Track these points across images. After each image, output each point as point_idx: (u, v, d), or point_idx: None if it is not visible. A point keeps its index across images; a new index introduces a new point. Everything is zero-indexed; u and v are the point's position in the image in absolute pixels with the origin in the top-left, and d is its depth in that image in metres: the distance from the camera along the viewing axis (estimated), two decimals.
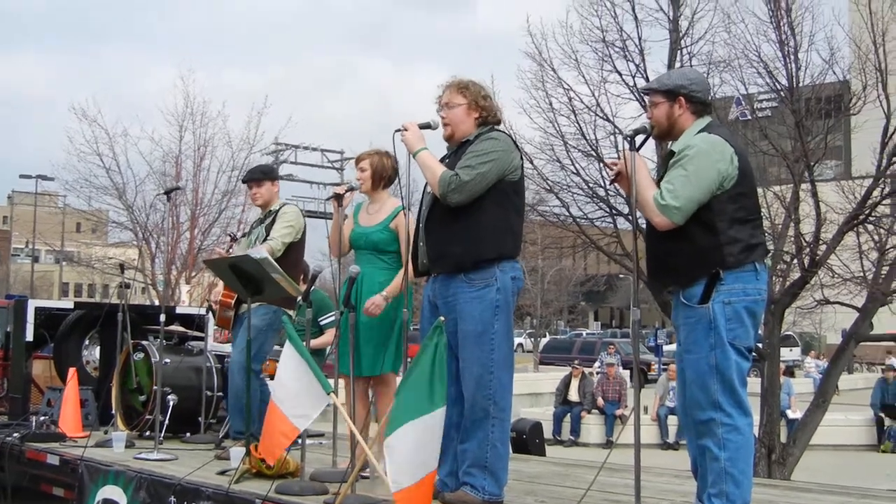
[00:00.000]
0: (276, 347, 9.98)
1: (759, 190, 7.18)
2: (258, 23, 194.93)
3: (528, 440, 14.06)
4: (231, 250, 8.93)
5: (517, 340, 60.26)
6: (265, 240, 8.72)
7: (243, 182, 9.78)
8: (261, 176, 9.21)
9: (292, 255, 8.79)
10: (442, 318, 5.69)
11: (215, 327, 10.08)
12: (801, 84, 14.03)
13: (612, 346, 37.75)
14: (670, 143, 5.79)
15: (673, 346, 27.06)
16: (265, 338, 8.72)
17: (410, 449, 5.51)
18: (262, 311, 8.52)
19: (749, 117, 16.61)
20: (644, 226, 5.70)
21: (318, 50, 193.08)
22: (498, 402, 6.16)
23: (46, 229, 52.36)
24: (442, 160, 6.39)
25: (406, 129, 6.40)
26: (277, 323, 8.68)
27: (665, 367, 28.53)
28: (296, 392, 6.38)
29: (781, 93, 14.38)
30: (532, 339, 55.80)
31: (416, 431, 5.51)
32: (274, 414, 6.49)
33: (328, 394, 6.19)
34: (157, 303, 29.87)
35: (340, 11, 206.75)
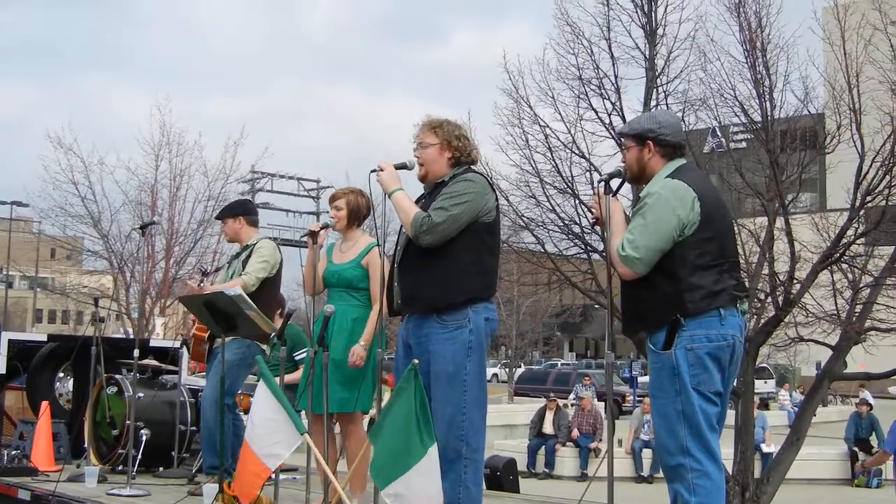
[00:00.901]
0: (252, 377, 10.01)
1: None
2: (230, 53, 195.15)
3: (503, 477, 14.07)
4: (202, 285, 8.92)
5: (492, 371, 60.29)
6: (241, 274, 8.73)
7: (216, 219, 9.84)
8: (225, 213, 9.38)
9: (267, 290, 8.79)
10: (416, 361, 5.72)
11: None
12: (775, 123, 14.11)
13: (587, 378, 37.77)
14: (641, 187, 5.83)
15: (647, 378, 27.10)
16: (238, 372, 8.71)
17: (421, 493, 5.58)
18: (236, 345, 8.51)
19: (724, 149, 16.69)
20: None
21: (291, 80, 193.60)
22: (470, 442, 6.16)
23: (20, 255, 52.15)
24: (418, 201, 6.41)
25: (382, 170, 6.41)
26: (251, 357, 8.66)
27: (640, 399, 28.54)
28: (268, 431, 6.39)
29: (756, 131, 14.45)
30: (507, 370, 55.76)
31: (420, 475, 5.58)
32: (247, 453, 6.49)
33: (301, 434, 6.19)
34: (130, 331, 29.77)
35: (312, 42, 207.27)
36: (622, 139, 5.87)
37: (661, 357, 5.41)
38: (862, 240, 14.35)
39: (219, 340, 8.28)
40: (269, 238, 9.34)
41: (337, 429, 7.93)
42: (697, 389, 5.34)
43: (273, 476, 7.12)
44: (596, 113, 15.22)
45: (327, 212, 8.01)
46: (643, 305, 5.51)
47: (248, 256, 8.85)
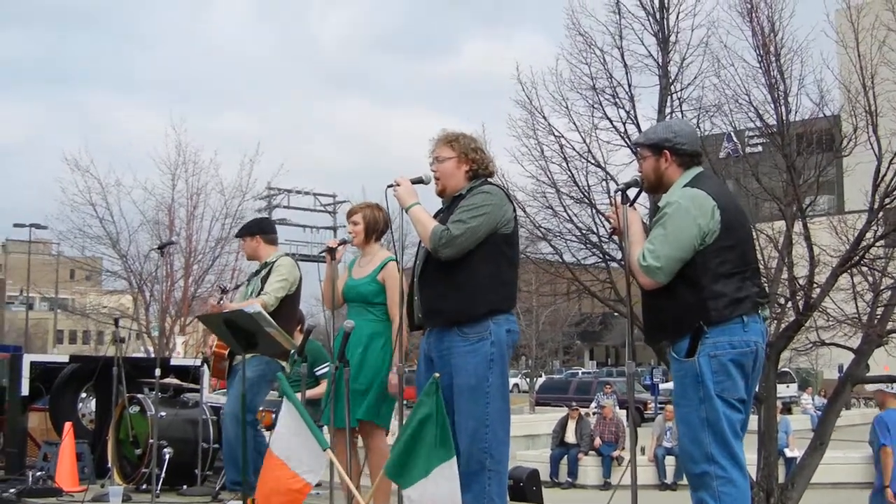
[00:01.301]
0: (272, 394, 10.03)
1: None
2: (240, 70, 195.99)
3: (526, 488, 14.07)
4: (222, 302, 8.94)
5: (513, 381, 60.15)
6: (260, 292, 8.74)
7: (236, 237, 9.90)
8: (244, 231, 9.44)
9: (287, 307, 8.80)
10: (437, 375, 5.72)
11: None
12: (791, 127, 14.08)
13: (608, 386, 37.72)
14: (658, 196, 5.83)
15: (669, 384, 26.90)
16: (258, 389, 8.73)
17: (444, 495, 5.59)
18: (255, 362, 8.52)
19: (740, 154, 16.67)
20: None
21: (301, 95, 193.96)
22: (494, 454, 6.15)
23: (40, 277, 52.43)
24: (436, 215, 6.41)
25: (398, 185, 6.40)
26: (270, 374, 8.69)
27: (662, 406, 28.49)
28: (298, 447, 6.38)
29: (772, 135, 14.42)
30: (527, 380, 55.70)
31: (438, 482, 5.59)
32: (282, 471, 6.45)
33: (324, 450, 6.20)
34: (151, 350, 29.83)
35: (321, 57, 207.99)
36: (638, 149, 5.87)
37: (684, 365, 5.40)
38: (881, 242, 14.31)
39: (238, 357, 8.32)
40: (288, 255, 9.37)
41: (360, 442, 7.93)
42: (721, 396, 5.34)
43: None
44: (611, 122, 15.22)
45: (344, 226, 8.03)
46: (665, 315, 5.51)
47: (268, 274, 8.88)
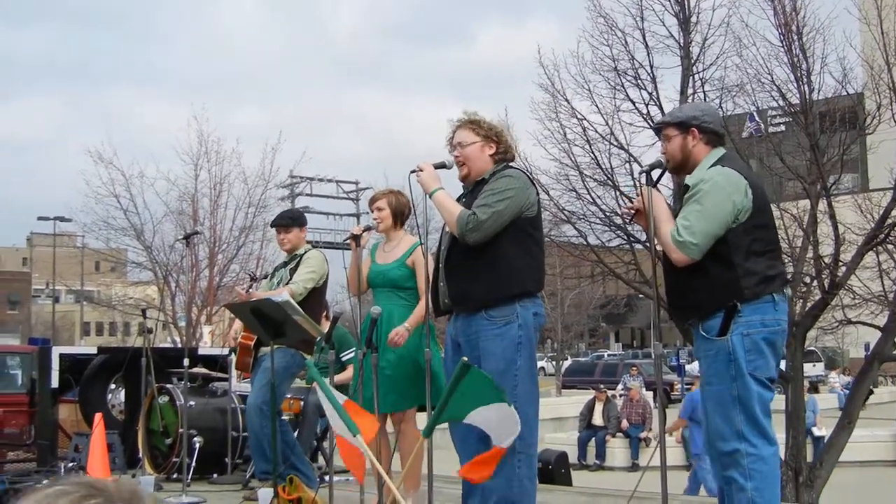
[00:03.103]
0: (300, 382, 10.07)
1: (776, 212, 7.17)
2: (256, 63, 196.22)
3: (555, 470, 14.08)
4: (252, 289, 8.93)
5: (539, 364, 60.10)
6: (288, 282, 8.75)
7: (272, 226, 9.81)
8: (289, 222, 9.19)
9: (313, 299, 8.79)
10: (465, 359, 5.73)
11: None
12: (814, 106, 14.04)
13: (634, 368, 37.66)
14: (686, 176, 5.82)
15: (695, 366, 26.94)
16: (282, 380, 8.69)
17: (492, 423, 5.50)
18: (280, 354, 8.52)
19: (763, 133, 16.64)
20: (663, 259, 5.73)
21: (317, 86, 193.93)
22: (524, 437, 6.14)
23: (65, 270, 52.58)
24: (458, 200, 6.40)
25: (421, 170, 6.38)
26: (294, 366, 8.66)
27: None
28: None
29: (795, 114, 14.39)
30: (554, 363, 55.72)
31: (493, 412, 5.46)
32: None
33: (354, 436, 6.21)
34: (178, 340, 29.94)
35: (336, 48, 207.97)
36: (664, 129, 5.85)
37: (715, 344, 5.40)
38: None
39: (263, 350, 8.37)
40: (316, 247, 9.34)
41: (390, 427, 7.95)
42: (754, 375, 5.35)
43: (326, 478, 7.14)
44: (633, 103, 15.24)
45: (367, 213, 8.03)
46: (697, 293, 5.49)
47: (297, 266, 8.88)
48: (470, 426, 6.08)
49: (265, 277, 9.39)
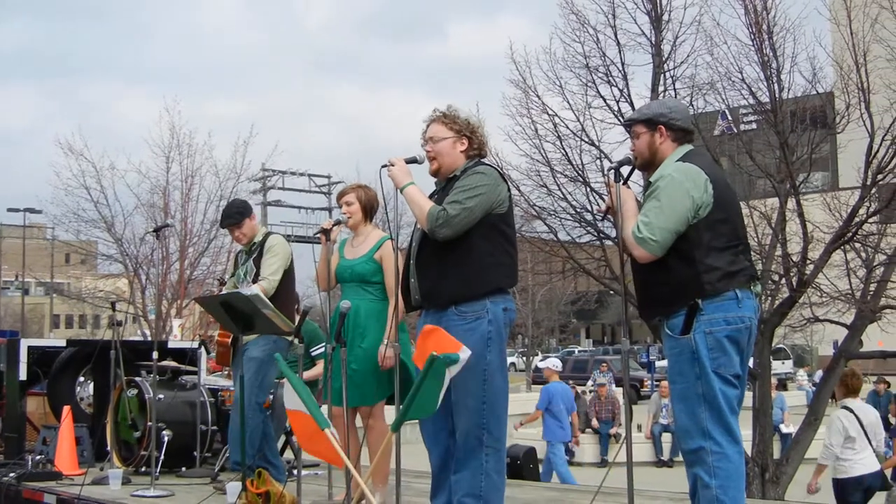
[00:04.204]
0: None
1: (745, 210, 7.20)
2: (230, 56, 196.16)
3: (523, 465, 14.06)
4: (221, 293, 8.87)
5: (509, 360, 60.20)
6: (256, 274, 8.74)
7: (222, 227, 9.73)
8: (238, 217, 9.10)
9: (284, 285, 8.77)
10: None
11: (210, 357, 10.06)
12: (784, 104, 14.13)
13: (604, 365, 37.82)
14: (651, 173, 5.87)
15: (664, 362, 27.09)
16: (268, 368, 8.65)
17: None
18: (262, 342, 8.50)
19: (733, 131, 16.73)
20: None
21: (290, 80, 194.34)
22: (492, 431, 6.17)
23: (35, 261, 52.35)
24: (430, 196, 6.41)
25: (393, 164, 6.38)
26: (279, 350, 8.58)
27: (657, 383, 28.56)
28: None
29: (765, 112, 14.47)
30: (524, 359, 55.75)
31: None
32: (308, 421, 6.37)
33: (324, 430, 6.22)
34: (148, 333, 29.84)
35: (309, 42, 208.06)
36: (632, 126, 5.88)
37: (679, 342, 5.44)
38: (874, 218, 14.39)
39: (244, 340, 8.39)
40: (272, 232, 9.23)
41: (358, 422, 7.97)
42: (717, 373, 5.38)
43: (295, 472, 7.14)
44: (604, 100, 15.30)
45: (339, 207, 8.03)
46: (659, 289, 5.53)
47: (260, 255, 8.84)
48: (440, 420, 6.13)
49: (233, 275, 9.33)
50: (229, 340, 8.89)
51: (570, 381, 27.47)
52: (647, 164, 5.83)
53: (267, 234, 9.04)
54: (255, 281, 8.68)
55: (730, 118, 16.86)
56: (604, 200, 5.98)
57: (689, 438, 5.45)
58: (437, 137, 6.42)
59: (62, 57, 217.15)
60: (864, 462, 10.37)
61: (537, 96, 15.66)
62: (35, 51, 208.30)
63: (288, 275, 8.87)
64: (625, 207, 5.58)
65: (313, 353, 10.41)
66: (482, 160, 6.53)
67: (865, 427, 10.43)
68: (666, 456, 23.80)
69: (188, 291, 28.92)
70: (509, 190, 6.50)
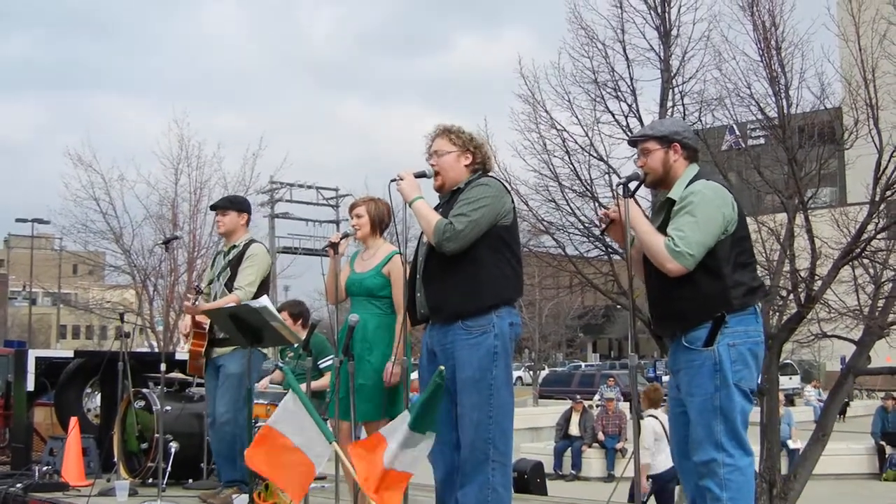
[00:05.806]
0: (278, 388, 10.06)
1: (753, 225, 7.26)
2: (235, 71, 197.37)
3: (530, 480, 14.11)
4: (197, 303, 8.81)
5: (516, 374, 60.23)
6: (230, 279, 8.72)
7: (210, 209, 9.70)
8: (227, 204, 9.17)
9: (258, 293, 8.71)
10: (441, 368, 5.76)
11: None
12: (792, 120, 14.12)
13: (611, 379, 37.75)
14: (661, 191, 5.88)
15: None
16: (247, 381, 8.60)
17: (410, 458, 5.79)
18: (239, 355, 8.45)
19: (742, 147, 16.74)
20: (645, 271, 5.77)
21: (296, 94, 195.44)
22: (498, 446, 6.18)
23: (43, 272, 52.41)
24: (435, 209, 6.42)
25: (402, 179, 6.41)
26: (254, 362, 8.53)
27: (664, 398, 28.51)
28: (306, 438, 6.37)
29: (773, 128, 14.46)
30: (531, 373, 55.73)
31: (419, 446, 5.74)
32: (295, 455, 6.39)
33: (330, 443, 6.22)
34: (155, 345, 29.84)
35: (314, 57, 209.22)
36: (643, 142, 5.89)
37: (700, 354, 5.47)
38: (883, 234, 14.36)
39: (217, 351, 8.56)
40: (256, 241, 9.18)
41: (364, 435, 7.96)
42: (738, 385, 5.44)
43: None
44: (613, 115, 15.28)
45: (347, 220, 8.04)
46: (684, 304, 5.55)
47: (238, 260, 8.81)
48: (445, 434, 6.14)
49: (210, 283, 9.28)
50: (202, 350, 8.86)
51: (578, 396, 27.52)
52: (659, 181, 5.85)
53: (250, 242, 9.00)
54: (228, 285, 8.69)
55: (738, 133, 16.86)
56: (606, 209, 5.98)
57: (700, 450, 5.47)
58: (442, 151, 6.46)
59: (68, 68, 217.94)
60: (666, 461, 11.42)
61: (546, 111, 15.66)
62: (40, 62, 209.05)
63: (263, 286, 8.84)
64: (639, 221, 5.60)
65: (321, 366, 10.42)
66: (486, 173, 6.55)
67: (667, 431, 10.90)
68: None
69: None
70: (513, 202, 6.52)
